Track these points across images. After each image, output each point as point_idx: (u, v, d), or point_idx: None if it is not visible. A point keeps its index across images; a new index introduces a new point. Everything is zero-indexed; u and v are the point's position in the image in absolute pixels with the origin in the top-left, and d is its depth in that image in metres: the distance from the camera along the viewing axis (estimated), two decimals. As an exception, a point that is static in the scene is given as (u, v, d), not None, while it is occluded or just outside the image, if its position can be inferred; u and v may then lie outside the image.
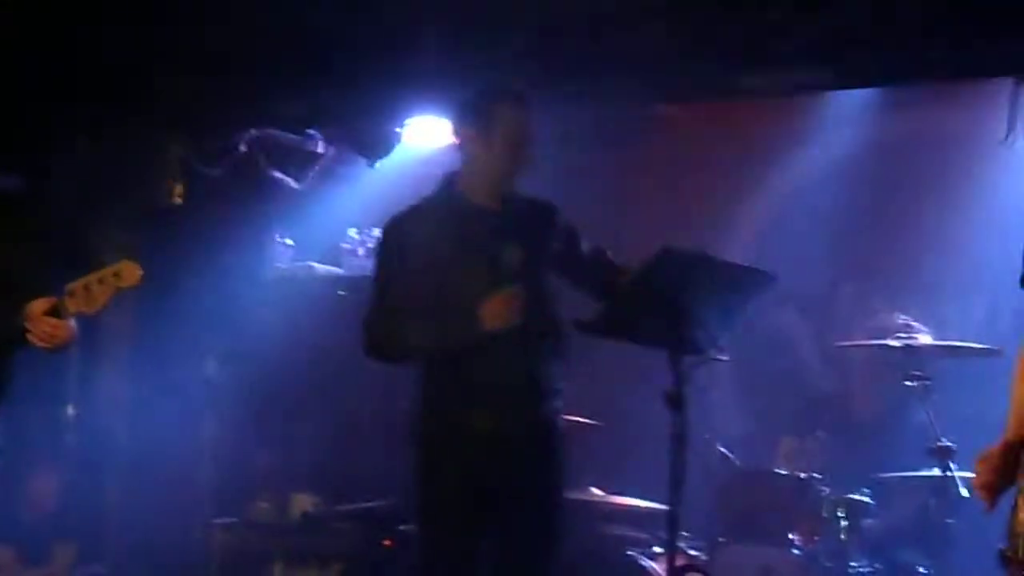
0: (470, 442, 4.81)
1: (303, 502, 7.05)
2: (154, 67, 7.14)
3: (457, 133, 4.96)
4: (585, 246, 5.05)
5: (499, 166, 4.89)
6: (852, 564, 5.88)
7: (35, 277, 5.24)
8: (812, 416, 6.64)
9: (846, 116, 7.24)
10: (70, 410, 7.70)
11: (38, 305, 5.04)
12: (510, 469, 4.82)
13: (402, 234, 4.92)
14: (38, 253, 5.30)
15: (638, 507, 6.24)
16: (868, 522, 5.99)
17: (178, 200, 7.94)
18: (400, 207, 5.04)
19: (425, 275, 4.83)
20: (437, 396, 4.92)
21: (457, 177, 4.97)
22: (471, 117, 4.93)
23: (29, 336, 4.95)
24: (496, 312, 4.73)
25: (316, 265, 8.04)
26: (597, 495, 6.27)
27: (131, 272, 4.91)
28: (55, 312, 4.94)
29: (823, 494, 5.99)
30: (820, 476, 6.06)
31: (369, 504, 6.67)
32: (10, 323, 5.07)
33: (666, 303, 4.62)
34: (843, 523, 5.89)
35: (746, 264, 4.94)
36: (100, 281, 4.88)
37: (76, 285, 4.90)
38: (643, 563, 5.99)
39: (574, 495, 6.10)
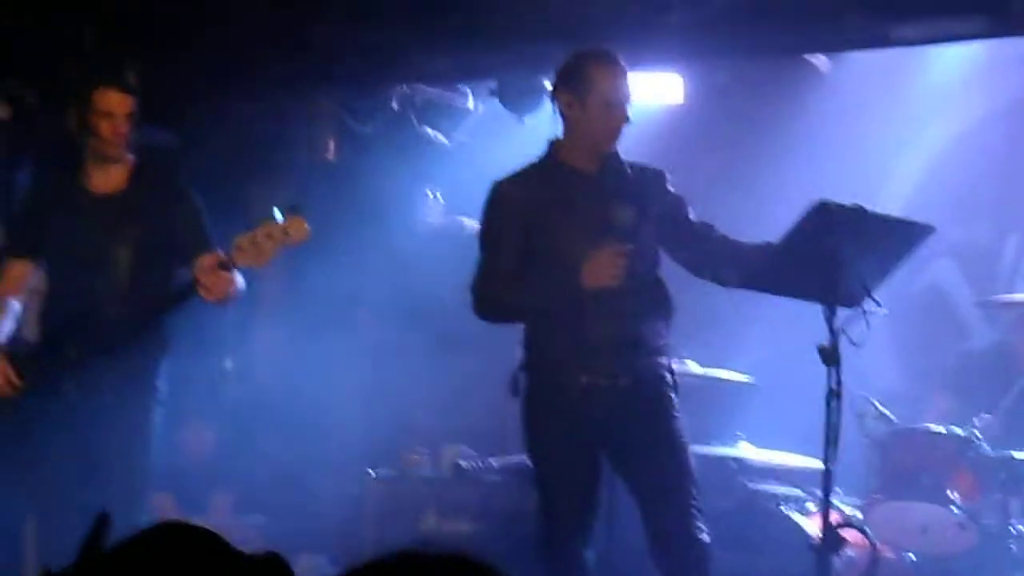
0: (571, 397, 4.84)
1: (455, 454, 7.10)
2: (306, 23, 7.20)
3: (553, 98, 4.95)
4: (693, 217, 5.00)
5: (595, 128, 4.87)
6: (1013, 524, 5.76)
7: (197, 232, 5.32)
8: (971, 373, 6.52)
9: (1009, 61, 7.07)
10: (228, 363, 7.85)
11: (207, 258, 5.14)
12: (614, 423, 4.82)
13: (506, 197, 4.94)
14: (195, 209, 5.37)
15: (792, 463, 6.18)
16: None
17: (331, 156, 8.03)
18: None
19: (527, 238, 4.86)
20: (539, 351, 4.95)
21: (558, 142, 4.96)
22: (564, 80, 4.93)
23: (199, 289, 5.05)
24: (598, 270, 4.73)
25: (466, 220, 8.07)
26: (750, 451, 6.22)
27: (299, 227, 4.98)
28: (223, 265, 5.02)
29: (983, 452, 5.88)
30: (980, 435, 5.94)
31: (521, 458, 6.69)
32: (179, 276, 5.18)
33: (821, 257, 4.57)
34: (1003, 481, 5.77)
35: (903, 216, 4.85)
36: (269, 236, 4.96)
37: (244, 239, 4.98)
38: (797, 519, 5.94)
39: (726, 451, 6.08)
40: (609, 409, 4.82)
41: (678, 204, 5.00)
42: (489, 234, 4.96)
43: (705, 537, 4.78)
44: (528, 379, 4.94)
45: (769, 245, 4.73)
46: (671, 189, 5.00)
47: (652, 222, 4.91)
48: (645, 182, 4.89)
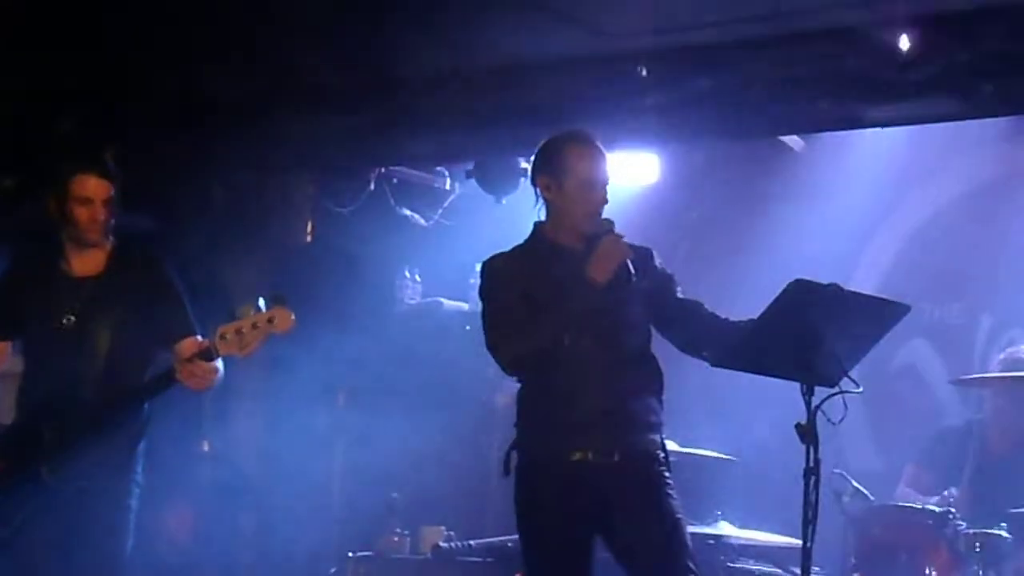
0: (562, 473, 4.83)
1: (434, 535, 7.08)
2: (284, 107, 7.26)
3: (533, 182, 5.01)
4: (681, 294, 5.04)
5: (574, 209, 4.91)
6: (991, 600, 5.78)
7: (179, 316, 5.33)
8: (944, 449, 6.54)
9: (982, 143, 7.16)
10: (205, 446, 7.82)
11: (187, 347, 5.14)
12: (607, 501, 4.83)
13: (500, 270, 4.97)
14: (175, 293, 5.39)
15: (770, 542, 6.18)
16: (1006, 558, 5.87)
17: (308, 237, 8.06)
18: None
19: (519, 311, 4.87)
20: (530, 428, 4.95)
21: (542, 223, 5.02)
22: (541, 164, 4.98)
23: (178, 376, 5.05)
24: (604, 259, 4.75)
25: (444, 301, 8.10)
26: (729, 530, 6.22)
27: (284, 318, 4.99)
28: (205, 354, 5.03)
29: (959, 529, 5.89)
30: (954, 511, 5.96)
31: (501, 538, 6.68)
32: (158, 360, 5.18)
33: (798, 335, 4.61)
34: (980, 558, 5.77)
35: (878, 295, 4.89)
36: (254, 326, 4.97)
37: (228, 329, 4.98)
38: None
39: (705, 529, 6.08)
40: (601, 486, 4.82)
41: (667, 281, 5.03)
42: (493, 301, 4.95)
43: None
44: (519, 457, 4.94)
45: (748, 323, 4.77)
46: (659, 266, 5.04)
47: (642, 298, 4.94)
48: (633, 259, 4.93)
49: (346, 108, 7.19)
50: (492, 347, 4.89)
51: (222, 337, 4.99)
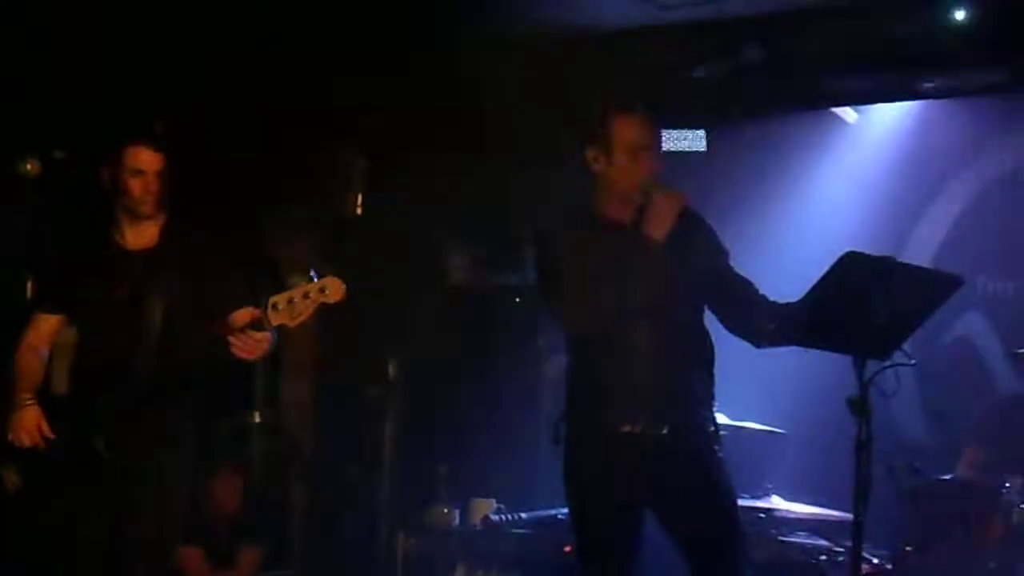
0: (612, 446, 4.82)
1: (484, 507, 7.09)
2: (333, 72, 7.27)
3: (583, 153, 4.99)
4: (734, 272, 5.00)
5: (622, 178, 4.88)
6: (1045, 575, 5.73)
7: (228, 289, 5.34)
8: (1000, 425, 6.49)
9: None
10: (256, 416, 7.86)
11: (240, 317, 5.15)
12: (657, 474, 4.81)
13: (552, 242, 4.95)
14: (228, 265, 5.40)
15: (822, 515, 6.16)
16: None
17: (358, 210, 8.06)
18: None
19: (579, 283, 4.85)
20: (580, 400, 4.94)
21: (594, 195, 5.00)
22: (588, 136, 4.96)
23: (232, 347, 5.06)
24: (660, 211, 4.74)
25: (494, 272, 8.09)
26: (779, 503, 6.20)
27: (336, 287, 4.98)
28: (257, 324, 5.04)
29: (1013, 503, 5.84)
30: (1009, 485, 5.91)
31: (550, 511, 6.68)
32: (209, 333, 5.19)
33: (850, 308, 4.57)
34: (1035, 534, 5.74)
35: (932, 268, 4.85)
36: (305, 296, 4.97)
37: (280, 298, 4.98)
38: (827, 572, 5.91)
39: (756, 503, 6.06)
40: (651, 459, 4.81)
41: (720, 253, 5.01)
42: (551, 273, 4.94)
43: None
44: (569, 428, 4.94)
45: (799, 301, 4.73)
46: (713, 236, 5.01)
47: (694, 271, 4.91)
48: (687, 230, 4.89)
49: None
50: (559, 318, 4.88)
51: (273, 307, 5.00)
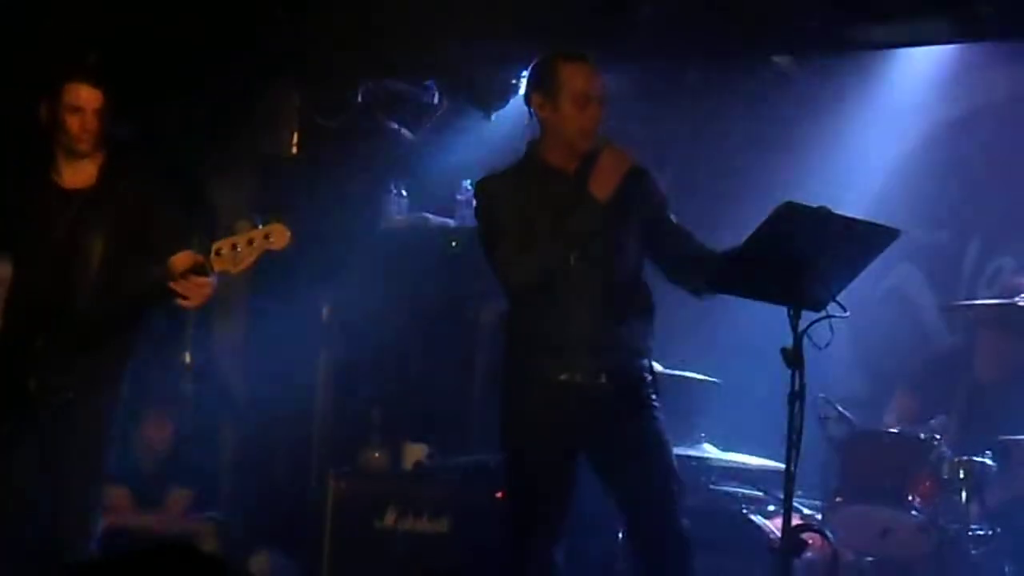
0: (549, 394, 4.82)
1: (416, 452, 7.07)
2: (272, 15, 7.16)
3: (528, 99, 4.95)
4: (673, 220, 4.99)
5: (568, 126, 4.87)
6: (973, 528, 5.77)
7: (168, 230, 5.27)
8: (931, 376, 6.53)
9: (973, 66, 7.09)
10: (187, 357, 7.79)
11: (181, 261, 5.09)
12: (594, 423, 4.82)
13: (494, 192, 4.93)
14: (168, 206, 5.33)
15: (753, 465, 6.18)
16: (990, 485, 5.86)
17: (294, 150, 7.98)
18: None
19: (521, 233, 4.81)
20: (519, 349, 4.94)
21: (536, 142, 4.97)
22: (535, 82, 4.94)
23: (173, 291, 4.99)
24: (606, 171, 4.72)
25: (430, 216, 8.04)
26: (712, 452, 6.22)
27: (281, 234, 4.95)
28: (199, 269, 4.97)
29: (943, 455, 5.88)
30: (939, 437, 5.95)
31: (482, 456, 6.67)
32: (148, 276, 5.12)
33: (787, 258, 4.57)
34: (964, 486, 5.77)
35: (868, 219, 4.84)
36: (250, 242, 4.93)
37: (224, 244, 4.94)
38: (758, 521, 5.94)
39: (689, 451, 6.07)
40: (588, 408, 4.82)
41: (661, 204, 4.99)
42: (493, 223, 4.90)
43: (687, 535, 4.80)
44: (506, 375, 4.93)
45: (735, 249, 4.72)
46: (655, 188, 4.99)
47: (635, 220, 4.90)
48: (630, 185, 4.86)
49: (334, 15, 7.11)
50: (500, 268, 4.85)
51: (217, 252, 4.95)
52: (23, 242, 5.26)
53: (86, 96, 5.22)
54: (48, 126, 5.26)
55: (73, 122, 5.20)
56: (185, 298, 5.00)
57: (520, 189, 4.90)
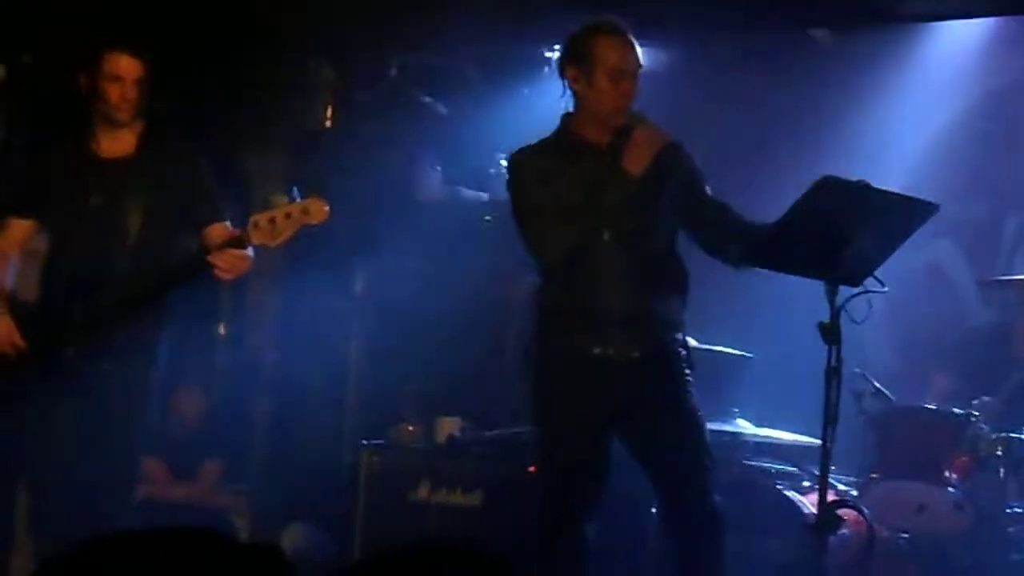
0: (581, 368, 4.80)
1: (449, 425, 7.07)
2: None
3: (562, 73, 4.91)
4: (709, 194, 4.95)
5: (602, 100, 4.82)
6: (1010, 505, 5.74)
7: (208, 200, 5.27)
8: (970, 353, 6.49)
9: (1012, 40, 7.03)
10: (221, 329, 7.81)
11: (217, 233, 5.09)
12: (626, 397, 4.80)
13: (527, 168, 4.90)
14: (204, 177, 5.33)
15: (787, 440, 6.15)
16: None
17: (328, 124, 7.98)
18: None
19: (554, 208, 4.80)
20: (551, 322, 4.92)
21: (569, 115, 4.94)
22: (569, 55, 4.90)
23: (211, 263, 5.00)
24: (639, 146, 4.69)
25: (464, 190, 8.03)
26: (747, 427, 6.19)
27: (319, 208, 4.94)
28: (237, 242, 4.98)
29: (980, 432, 5.84)
30: (977, 414, 5.91)
31: (515, 430, 6.66)
32: (185, 244, 5.13)
33: (824, 233, 4.53)
34: (1001, 462, 5.73)
35: (906, 194, 4.81)
36: (287, 216, 4.92)
37: (261, 217, 4.93)
38: (792, 497, 5.91)
39: (723, 426, 6.05)
40: (621, 383, 4.79)
41: (696, 178, 4.95)
42: (525, 197, 4.87)
43: (720, 512, 4.78)
44: (539, 350, 4.91)
45: (773, 223, 4.69)
46: (690, 162, 4.95)
47: (668, 195, 4.87)
48: (664, 160, 4.83)
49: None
50: (533, 245, 4.82)
51: (255, 225, 4.94)
52: (61, 210, 5.27)
53: (126, 65, 5.21)
54: (88, 95, 5.26)
55: (113, 91, 5.19)
56: (223, 270, 5.00)
57: (553, 163, 4.87)
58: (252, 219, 4.95)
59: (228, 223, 5.19)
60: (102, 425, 5.09)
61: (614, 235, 4.79)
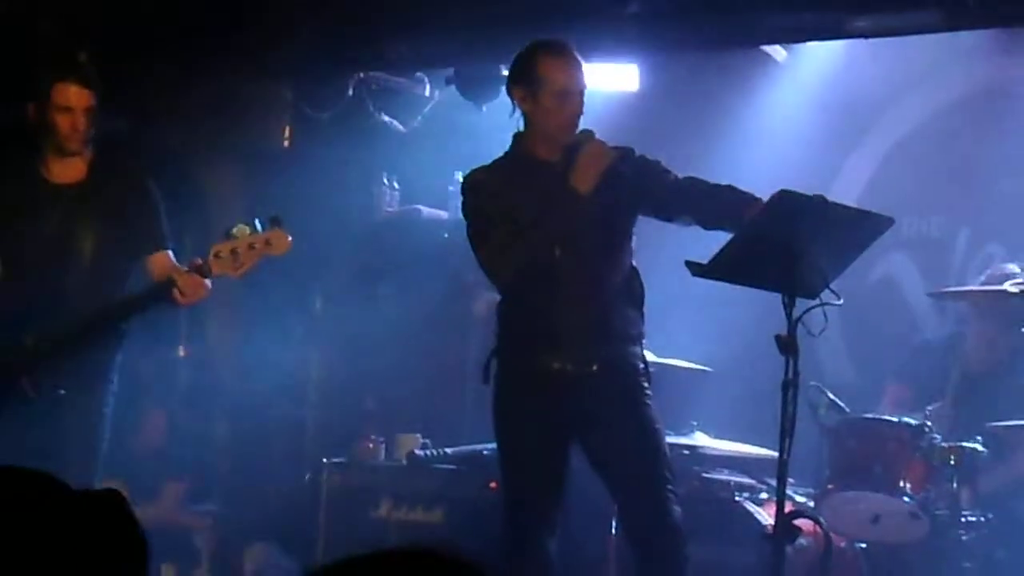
0: (541, 383, 4.84)
1: (410, 442, 7.09)
2: (264, 10, 7.17)
3: (510, 93, 4.96)
4: (673, 176, 4.97)
5: (549, 119, 4.88)
6: (964, 513, 5.80)
7: (151, 227, 5.27)
8: (923, 364, 6.55)
9: (964, 54, 7.11)
10: (180, 351, 7.80)
11: (159, 261, 5.08)
12: (586, 411, 4.84)
13: (481, 185, 4.95)
14: (152, 205, 5.32)
15: (746, 453, 6.20)
16: (981, 472, 5.89)
17: (286, 143, 7.99)
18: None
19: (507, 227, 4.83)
20: (510, 337, 4.97)
21: (521, 134, 4.99)
22: (517, 74, 4.94)
23: (174, 291, 4.98)
24: (587, 165, 4.72)
25: (423, 208, 8.05)
26: (704, 440, 6.24)
27: (281, 240, 4.95)
28: (199, 271, 4.97)
29: (934, 442, 5.91)
30: (931, 424, 5.98)
31: (476, 447, 6.68)
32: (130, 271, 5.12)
33: (781, 246, 4.59)
34: (955, 472, 5.80)
35: (862, 208, 4.87)
36: (250, 247, 4.92)
37: (224, 247, 4.93)
38: (750, 508, 5.96)
39: (681, 440, 6.09)
40: (580, 396, 4.83)
41: (654, 168, 4.97)
42: (479, 217, 4.92)
43: (680, 524, 4.82)
44: (499, 365, 4.94)
45: (731, 237, 4.72)
46: (642, 158, 4.98)
47: (625, 206, 4.91)
48: (614, 169, 4.87)
49: (325, 7, 7.11)
50: (485, 264, 4.87)
51: (217, 256, 4.94)
52: (11, 238, 5.25)
53: (76, 96, 5.19)
54: (37, 125, 5.23)
55: (63, 122, 5.17)
56: (183, 295, 5.00)
57: (507, 182, 4.91)
58: (214, 249, 4.95)
59: (170, 251, 5.19)
60: (61, 449, 5.08)
61: (566, 252, 4.82)
